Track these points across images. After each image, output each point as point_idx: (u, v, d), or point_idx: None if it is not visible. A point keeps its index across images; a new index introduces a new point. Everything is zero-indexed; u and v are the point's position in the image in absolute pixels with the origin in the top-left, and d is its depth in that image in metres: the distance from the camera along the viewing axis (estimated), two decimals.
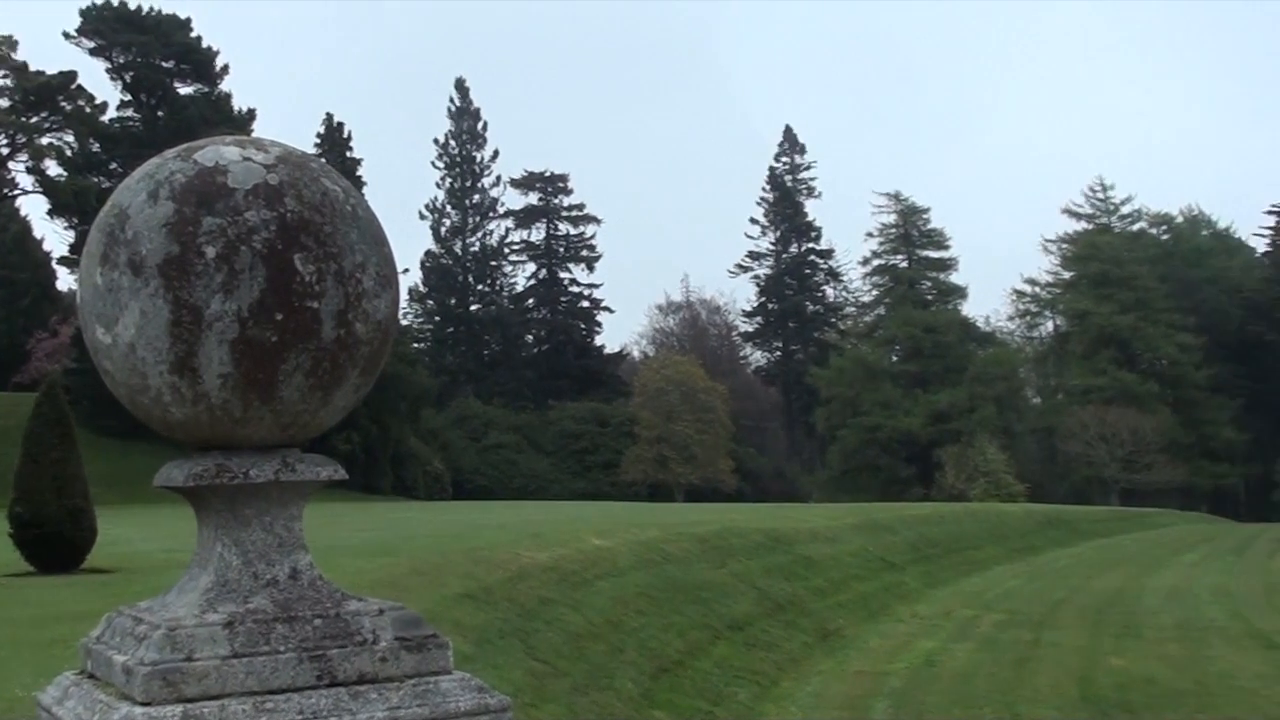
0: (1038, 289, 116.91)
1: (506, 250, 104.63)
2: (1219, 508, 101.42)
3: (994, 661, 21.37)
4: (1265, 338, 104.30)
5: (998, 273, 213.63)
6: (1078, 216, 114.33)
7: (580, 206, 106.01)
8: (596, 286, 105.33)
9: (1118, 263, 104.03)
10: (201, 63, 67.71)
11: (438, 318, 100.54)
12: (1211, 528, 71.20)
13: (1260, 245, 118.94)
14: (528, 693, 13.94)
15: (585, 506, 48.83)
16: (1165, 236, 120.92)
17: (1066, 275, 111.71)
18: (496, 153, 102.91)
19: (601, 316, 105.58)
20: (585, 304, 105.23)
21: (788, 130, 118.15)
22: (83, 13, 66.25)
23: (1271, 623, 27.92)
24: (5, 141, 66.59)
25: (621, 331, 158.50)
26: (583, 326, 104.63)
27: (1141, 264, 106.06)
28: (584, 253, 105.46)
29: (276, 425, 3.40)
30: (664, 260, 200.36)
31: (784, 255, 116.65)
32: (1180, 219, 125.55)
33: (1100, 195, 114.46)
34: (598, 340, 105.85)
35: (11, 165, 67.99)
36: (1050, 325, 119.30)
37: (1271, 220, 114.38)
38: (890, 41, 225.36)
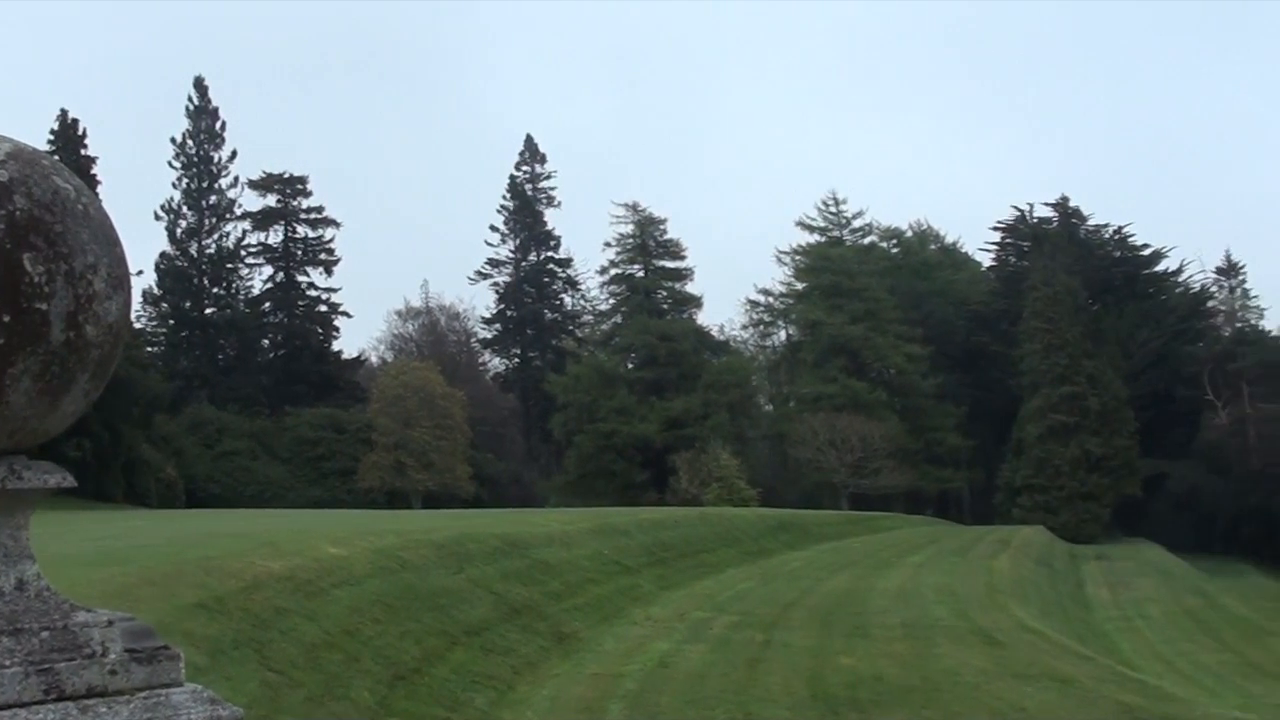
0: (771, 299, 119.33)
1: (243, 253, 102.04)
2: (944, 511, 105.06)
3: (726, 662, 21.69)
4: (990, 348, 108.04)
5: (733, 283, 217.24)
6: (811, 229, 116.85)
7: (319, 209, 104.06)
8: (335, 291, 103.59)
9: (849, 274, 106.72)
10: None
11: (172, 321, 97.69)
12: (937, 530, 73.54)
13: (986, 260, 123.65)
14: (262, 704, 13.71)
15: (321, 515, 48.15)
16: (895, 250, 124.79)
17: (799, 286, 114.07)
18: (235, 153, 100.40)
19: (339, 321, 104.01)
20: (323, 308, 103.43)
21: (528, 139, 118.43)
22: None
23: (993, 620, 28.97)
24: None
25: (360, 337, 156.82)
26: (320, 331, 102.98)
27: (872, 276, 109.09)
28: (322, 256, 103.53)
29: (3, 431, 3.29)
30: (404, 265, 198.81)
31: (523, 263, 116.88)
32: (910, 233, 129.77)
33: (833, 209, 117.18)
34: (335, 345, 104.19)
35: None
36: (783, 334, 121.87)
37: (997, 236, 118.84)
38: (632, 53, 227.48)
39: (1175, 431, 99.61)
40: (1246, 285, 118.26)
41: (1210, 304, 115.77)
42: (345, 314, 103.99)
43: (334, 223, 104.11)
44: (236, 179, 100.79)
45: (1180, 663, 41.99)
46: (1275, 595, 69.32)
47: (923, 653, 23.17)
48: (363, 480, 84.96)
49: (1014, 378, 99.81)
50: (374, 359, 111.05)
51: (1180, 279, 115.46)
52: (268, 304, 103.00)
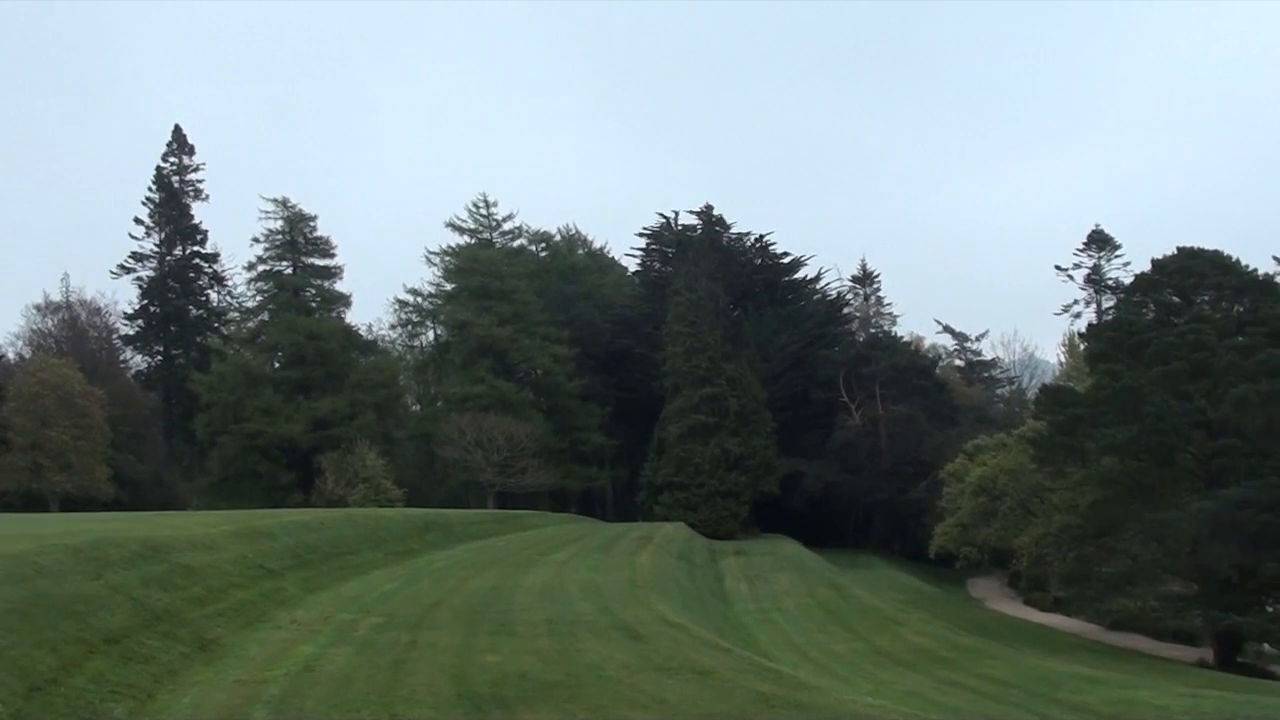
0: (420, 299, 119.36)
1: None
2: (588, 509, 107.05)
3: (372, 664, 21.70)
4: (634, 351, 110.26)
5: (382, 282, 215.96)
6: (461, 230, 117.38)
7: None
8: None
9: (498, 276, 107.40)
10: None
11: None
12: (581, 527, 74.72)
13: (632, 265, 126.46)
14: None
15: None
16: (544, 253, 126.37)
17: (448, 287, 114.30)
18: None
19: None
20: None
21: (177, 130, 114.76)
22: None
23: (635, 615, 29.72)
24: None
25: None
26: None
27: (520, 278, 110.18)
28: None
29: None
30: (44, 259, 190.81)
31: (168, 258, 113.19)
32: (559, 237, 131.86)
33: (483, 211, 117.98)
34: None
35: None
36: (431, 335, 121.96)
37: (643, 242, 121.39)
38: (288, 52, 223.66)
39: (812, 432, 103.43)
40: (880, 293, 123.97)
41: (846, 310, 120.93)
42: None
43: None
44: None
45: (814, 652, 43.80)
46: (902, 586, 72.93)
47: (567, 648, 23.59)
48: None
49: (657, 379, 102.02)
50: (10, 355, 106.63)
51: (818, 286, 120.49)
52: None
